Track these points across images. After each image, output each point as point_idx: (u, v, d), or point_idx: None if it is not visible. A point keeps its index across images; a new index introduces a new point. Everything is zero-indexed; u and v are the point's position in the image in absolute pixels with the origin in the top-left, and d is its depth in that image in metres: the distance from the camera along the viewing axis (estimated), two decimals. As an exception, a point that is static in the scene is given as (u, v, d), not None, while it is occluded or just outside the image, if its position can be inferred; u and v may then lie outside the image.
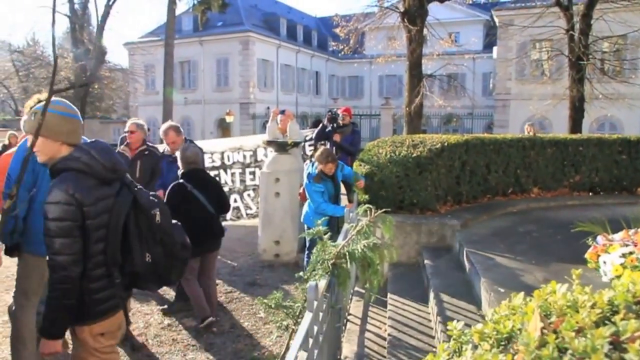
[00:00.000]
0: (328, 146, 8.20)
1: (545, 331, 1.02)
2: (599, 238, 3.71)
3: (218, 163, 8.27)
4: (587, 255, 3.68)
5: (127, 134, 6.24)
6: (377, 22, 14.23)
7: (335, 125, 8.02)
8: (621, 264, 3.20)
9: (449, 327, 1.31)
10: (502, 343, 1.14)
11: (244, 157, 8.33)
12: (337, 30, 15.92)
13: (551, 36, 13.19)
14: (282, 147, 7.20)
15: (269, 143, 7.48)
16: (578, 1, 12.66)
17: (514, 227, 5.65)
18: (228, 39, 36.87)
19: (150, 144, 6.44)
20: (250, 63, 36.81)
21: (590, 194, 7.73)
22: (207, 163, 8.22)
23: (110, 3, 30.23)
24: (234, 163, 8.32)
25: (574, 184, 7.63)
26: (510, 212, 6.46)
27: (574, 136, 8.29)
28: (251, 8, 40.73)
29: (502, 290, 3.31)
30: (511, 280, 3.58)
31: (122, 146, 6.25)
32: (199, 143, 9.16)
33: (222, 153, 8.31)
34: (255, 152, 8.30)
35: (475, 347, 1.19)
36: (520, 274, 3.77)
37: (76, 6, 31.87)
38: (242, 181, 8.30)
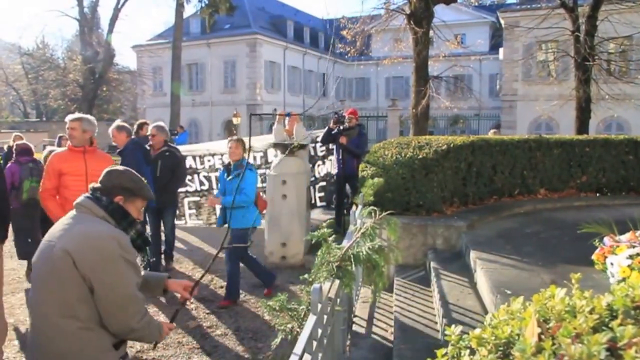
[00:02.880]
0: (334, 148, 8.24)
1: (542, 337, 1.02)
2: (606, 239, 3.69)
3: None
4: (594, 257, 3.66)
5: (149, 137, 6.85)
6: (384, 24, 14.19)
7: (341, 127, 8.02)
8: (628, 266, 3.18)
9: (446, 332, 1.31)
10: (500, 348, 1.14)
11: (254, 158, 8.29)
12: (344, 33, 15.92)
13: (557, 37, 13.12)
14: (288, 149, 7.21)
15: (276, 145, 7.50)
16: (583, 3, 12.59)
17: (520, 228, 5.63)
18: (235, 41, 36.99)
19: (171, 145, 6.85)
20: (257, 65, 36.92)
21: (597, 194, 7.69)
22: (218, 164, 8.23)
23: (119, 6, 30.46)
24: None
25: (580, 184, 7.60)
26: (516, 213, 6.44)
27: (580, 137, 8.25)
28: (258, 11, 40.84)
29: (508, 292, 3.30)
30: (518, 281, 3.57)
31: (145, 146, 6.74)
32: (208, 144, 9.23)
33: None
34: (265, 153, 8.26)
35: (473, 352, 1.19)
36: (526, 276, 3.76)
37: (85, 10, 32.14)
38: None
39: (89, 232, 2.18)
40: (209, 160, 8.27)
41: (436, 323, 3.88)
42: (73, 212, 2.30)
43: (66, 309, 2.11)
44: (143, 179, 2.52)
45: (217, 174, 8.26)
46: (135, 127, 10.27)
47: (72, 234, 2.18)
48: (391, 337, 3.83)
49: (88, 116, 4.70)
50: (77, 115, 4.60)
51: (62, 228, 2.23)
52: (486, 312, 3.52)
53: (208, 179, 8.24)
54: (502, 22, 29.05)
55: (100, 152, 4.82)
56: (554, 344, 0.98)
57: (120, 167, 2.55)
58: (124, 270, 2.19)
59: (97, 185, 2.38)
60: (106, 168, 2.50)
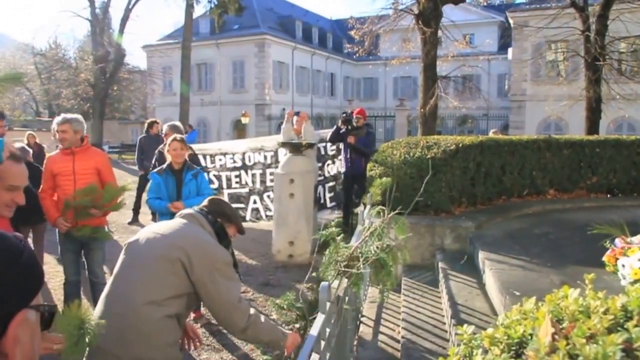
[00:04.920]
0: (342, 147, 8.23)
1: (556, 337, 1.01)
2: (617, 241, 3.65)
3: (239, 164, 8.25)
4: (604, 258, 3.62)
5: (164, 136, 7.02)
6: (392, 24, 14.19)
7: (349, 127, 8.01)
8: (640, 268, 3.15)
9: (458, 331, 1.30)
10: (513, 348, 1.12)
11: (265, 157, 8.27)
12: (352, 33, 15.91)
13: (567, 37, 13.03)
14: (296, 148, 7.21)
15: (284, 144, 7.49)
16: (594, 2, 12.49)
17: (529, 229, 5.59)
18: (244, 42, 37.09)
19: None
20: (265, 65, 36.99)
21: (608, 195, 7.62)
22: (229, 163, 8.24)
23: (130, 7, 30.62)
24: (255, 164, 8.27)
25: (591, 185, 7.53)
26: (525, 213, 6.39)
27: (590, 137, 8.19)
28: (267, 11, 40.90)
29: (517, 293, 3.27)
30: (526, 283, 3.55)
31: (162, 146, 6.76)
32: (218, 144, 9.25)
33: (243, 154, 8.28)
34: (276, 152, 8.25)
35: (485, 351, 1.17)
36: (536, 277, 3.73)
37: (97, 10, 32.36)
38: (263, 182, 8.24)
39: (207, 240, 2.44)
40: (220, 160, 8.28)
41: (444, 324, 3.86)
42: (183, 220, 2.52)
43: (157, 297, 2.25)
44: None
45: (228, 173, 8.28)
46: (145, 125, 10.36)
47: (189, 236, 2.40)
48: (399, 337, 3.82)
49: (76, 116, 4.69)
50: (65, 117, 4.57)
51: (175, 227, 2.45)
52: (495, 313, 3.50)
53: (218, 177, 8.26)
54: (511, 21, 28.90)
55: (93, 150, 4.80)
56: (568, 344, 0.97)
57: (220, 198, 2.88)
58: (232, 277, 2.44)
59: (203, 207, 2.67)
60: (210, 197, 2.80)
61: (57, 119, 4.60)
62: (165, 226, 2.48)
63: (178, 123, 7.23)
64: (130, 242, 2.47)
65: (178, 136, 5.02)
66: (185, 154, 5.00)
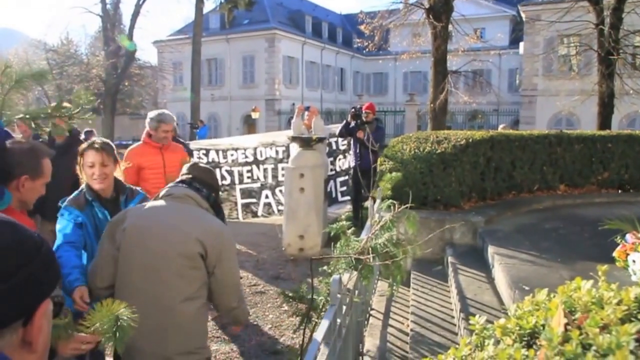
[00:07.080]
0: (352, 142, 8.24)
1: (569, 327, 1.01)
2: (628, 236, 3.63)
3: (251, 159, 8.27)
4: (615, 254, 3.61)
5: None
6: (402, 18, 14.12)
7: (359, 121, 8.00)
8: (651, 263, 3.13)
9: (471, 322, 1.30)
10: (525, 338, 1.13)
11: (277, 152, 8.28)
12: (362, 27, 15.86)
13: (579, 31, 12.89)
14: (306, 142, 7.22)
15: (294, 139, 7.51)
16: (608, -5, 12.36)
17: (539, 224, 5.57)
18: (254, 37, 37.17)
19: (181, 139, 7.07)
20: (275, 60, 37.04)
21: (619, 191, 7.56)
22: (241, 159, 8.26)
23: (140, 2, 30.72)
24: (266, 159, 8.29)
25: (602, 180, 7.47)
26: (535, 209, 6.37)
27: (602, 132, 8.12)
28: (277, 6, 40.93)
29: (526, 288, 3.27)
30: (536, 277, 3.54)
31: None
32: (229, 139, 9.29)
33: (255, 149, 8.30)
34: (288, 147, 8.26)
35: (497, 342, 1.18)
36: (545, 272, 3.72)
37: (108, 6, 32.56)
38: (275, 177, 8.26)
39: (215, 223, 2.37)
40: (232, 155, 8.29)
41: (453, 317, 3.86)
42: (178, 203, 2.37)
43: (189, 292, 2.27)
44: None
45: (239, 168, 8.28)
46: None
47: (198, 223, 2.31)
48: (408, 331, 3.83)
49: (171, 114, 4.88)
50: (171, 116, 4.75)
51: (179, 215, 2.33)
52: (504, 308, 3.50)
53: (230, 173, 8.28)
54: (522, 15, 28.71)
55: (174, 144, 5.03)
56: (581, 334, 0.97)
57: (205, 166, 2.67)
58: (235, 257, 2.48)
59: (192, 179, 2.47)
60: (194, 165, 2.62)
61: (160, 117, 4.65)
62: (165, 216, 2.33)
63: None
64: (133, 240, 2.30)
65: (98, 141, 2.98)
66: (113, 173, 2.94)
